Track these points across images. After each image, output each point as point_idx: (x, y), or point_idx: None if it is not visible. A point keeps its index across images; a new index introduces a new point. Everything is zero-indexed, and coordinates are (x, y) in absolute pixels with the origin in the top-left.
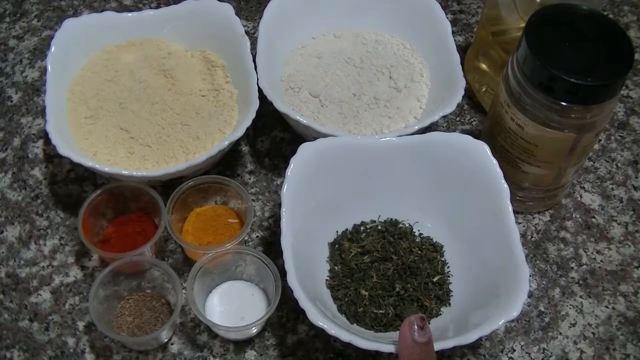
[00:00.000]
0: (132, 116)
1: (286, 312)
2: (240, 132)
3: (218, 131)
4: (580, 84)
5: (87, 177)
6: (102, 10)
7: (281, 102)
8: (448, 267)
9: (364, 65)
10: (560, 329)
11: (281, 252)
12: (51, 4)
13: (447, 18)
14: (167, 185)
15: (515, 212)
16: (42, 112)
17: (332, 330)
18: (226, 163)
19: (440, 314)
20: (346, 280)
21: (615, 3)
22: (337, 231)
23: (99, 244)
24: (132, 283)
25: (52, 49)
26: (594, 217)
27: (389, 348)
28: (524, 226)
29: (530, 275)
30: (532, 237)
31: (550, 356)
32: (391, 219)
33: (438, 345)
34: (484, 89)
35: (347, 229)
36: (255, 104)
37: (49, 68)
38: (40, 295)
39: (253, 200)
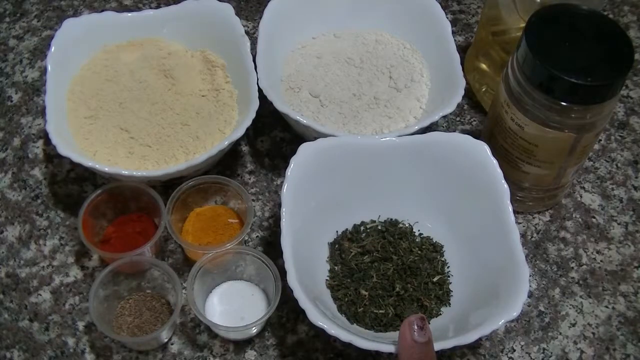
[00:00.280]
0: (132, 116)
1: (286, 312)
2: (240, 132)
3: (218, 131)
4: (580, 84)
5: (87, 177)
6: (102, 10)
7: (281, 102)
8: (448, 267)
9: (364, 65)
10: (560, 329)
11: (281, 252)
12: (51, 4)
13: (447, 18)
14: (167, 185)
15: (515, 212)
16: (42, 112)
17: (332, 330)
18: (226, 163)
19: (440, 314)
20: (346, 280)
21: (615, 3)
22: (337, 231)
23: (99, 244)
24: (132, 283)
25: (52, 49)
26: (594, 217)
27: (389, 348)
28: (524, 226)
29: (530, 275)
30: (532, 237)
31: (550, 356)
32: (391, 219)
33: (438, 345)
34: (484, 89)
35: (347, 229)
36: (255, 104)
37: (49, 68)
38: (40, 295)
39: (253, 200)
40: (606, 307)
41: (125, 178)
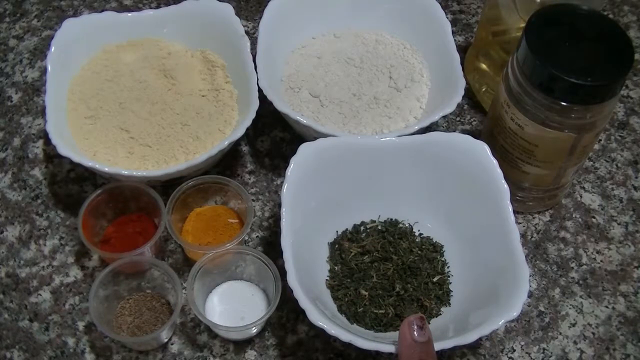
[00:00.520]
0: (132, 116)
1: (286, 312)
2: (240, 132)
3: (218, 131)
4: (580, 84)
5: (87, 177)
6: (102, 10)
7: (281, 102)
8: (448, 267)
9: (364, 65)
10: (560, 329)
11: (281, 252)
12: (51, 4)
13: (447, 18)
14: (167, 185)
15: (515, 212)
16: (42, 112)
17: (332, 330)
18: (226, 163)
19: (440, 314)
20: (346, 280)
21: (615, 3)
22: (337, 231)
23: (99, 244)
24: (132, 283)
25: (52, 49)
26: (594, 217)
27: (389, 348)
28: (524, 226)
29: (530, 275)
30: (532, 237)
31: (550, 356)
32: (391, 219)
33: (438, 345)
34: (484, 89)
35: (347, 229)
36: (255, 104)
37: (49, 68)
38: (40, 295)
39: (253, 200)
40: (606, 307)
41: (125, 178)
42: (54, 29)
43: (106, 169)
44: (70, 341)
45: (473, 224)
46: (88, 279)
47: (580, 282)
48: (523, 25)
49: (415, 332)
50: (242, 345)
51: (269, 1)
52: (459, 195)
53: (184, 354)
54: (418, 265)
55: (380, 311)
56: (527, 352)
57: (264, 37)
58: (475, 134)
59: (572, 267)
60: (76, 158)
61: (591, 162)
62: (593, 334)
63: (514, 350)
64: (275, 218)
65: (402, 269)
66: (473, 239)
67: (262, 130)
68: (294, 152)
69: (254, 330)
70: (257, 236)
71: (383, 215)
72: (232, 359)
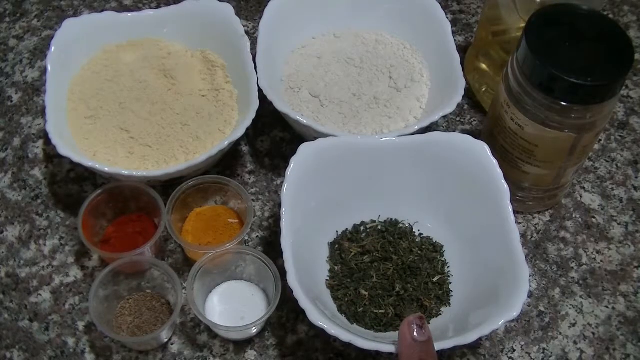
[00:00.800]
0: (132, 116)
1: (286, 312)
2: (240, 132)
3: (218, 131)
4: (580, 84)
5: (87, 177)
6: (102, 10)
7: (281, 102)
8: (448, 267)
9: (364, 65)
10: (560, 329)
11: (281, 252)
12: (51, 4)
13: (447, 18)
14: (167, 185)
15: (515, 212)
16: (42, 112)
17: (332, 330)
18: (226, 163)
19: (440, 314)
20: (346, 280)
21: (615, 3)
22: (337, 231)
23: (99, 244)
24: (132, 283)
25: (52, 49)
26: (594, 217)
27: (389, 348)
28: (524, 226)
29: (530, 275)
30: (532, 237)
31: (550, 356)
32: (391, 219)
33: (438, 345)
34: (484, 89)
35: (347, 229)
36: (255, 104)
37: (49, 68)
38: (40, 295)
39: (253, 200)
40: (606, 307)
41: (125, 178)
42: (54, 29)
43: (106, 169)
44: (70, 341)
45: (473, 224)
46: (88, 279)
47: (580, 282)
48: (523, 25)
49: (415, 332)
50: (242, 345)
51: (269, 1)
52: (459, 195)
53: (184, 354)
54: (418, 265)
55: (380, 311)
56: (527, 352)
57: (264, 37)
58: (475, 134)
59: (572, 267)
60: (76, 158)
61: (591, 162)
62: (593, 334)
63: (514, 350)
64: (275, 218)
65: (402, 269)
66: (473, 239)
67: (262, 130)
68: (294, 152)
69: (254, 330)
70: (257, 236)
71: (383, 215)
72: (232, 359)
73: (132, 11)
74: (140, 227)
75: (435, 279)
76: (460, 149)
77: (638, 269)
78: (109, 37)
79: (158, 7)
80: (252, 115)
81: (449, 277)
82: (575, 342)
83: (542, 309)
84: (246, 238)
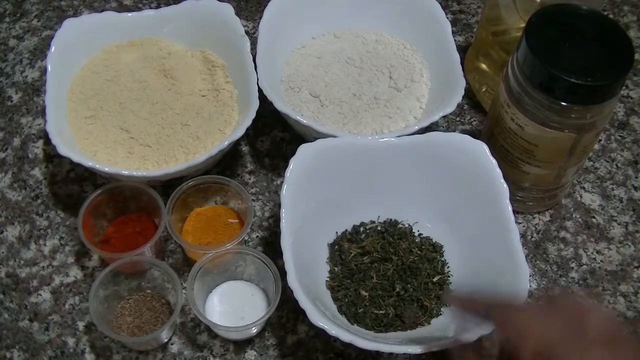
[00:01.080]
0: (132, 116)
1: (286, 312)
2: (240, 132)
3: (218, 131)
4: (580, 84)
5: (87, 177)
6: (102, 10)
7: (281, 102)
8: (448, 267)
9: (364, 65)
10: None
11: (281, 252)
12: (51, 4)
13: (447, 18)
14: (167, 185)
15: (515, 212)
16: (42, 112)
17: (333, 330)
18: (226, 163)
19: (441, 314)
20: (346, 281)
21: (615, 3)
22: (336, 232)
23: (99, 244)
24: (132, 283)
25: (52, 49)
26: (594, 217)
27: (389, 348)
28: (524, 226)
29: (530, 275)
30: (532, 237)
31: None
32: (391, 219)
33: (438, 346)
34: (484, 89)
35: (346, 230)
36: (255, 104)
37: (49, 68)
38: (40, 295)
39: (253, 200)
40: (606, 307)
41: (125, 178)
42: (54, 29)
43: (106, 169)
44: (70, 341)
45: (473, 224)
46: (88, 279)
47: (580, 282)
48: (523, 25)
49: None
50: (242, 345)
51: (269, 1)
52: (459, 195)
53: (184, 354)
54: (418, 265)
55: (381, 312)
56: None
57: (264, 37)
58: (475, 134)
59: (572, 267)
60: (76, 158)
61: (591, 162)
62: None
63: None
64: (275, 218)
65: (402, 269)
66: (473, 239)
67: (262, 130)
68: (294, 152)
69: (254, 330)
70: (257, 236)
71: (383, 215)
72: (232, 359)
73: (132, 11)
74: (140, 227)
75: (435, 279)
76: (459, 148)
77: (638, 269)
78: (109, 37)
79: (158, 7)
80: (252, 115)
81: (449, 277)
82: None
83: None
84: (246, 238)
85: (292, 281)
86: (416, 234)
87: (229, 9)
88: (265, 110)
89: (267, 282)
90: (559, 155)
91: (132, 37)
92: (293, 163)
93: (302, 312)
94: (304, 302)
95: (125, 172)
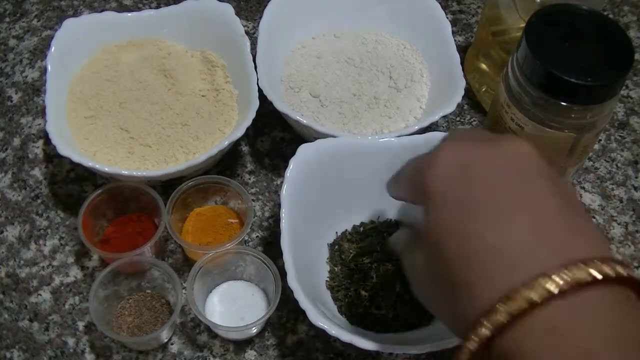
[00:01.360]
0: (132, 116)
1: (286, 312)
2: (240, 132)
3: (218, 131)
4: (580, 84)
5: (87, 177)
6: (102, 10)
7: (281, 102)
8: None
9: (364, 65)
10: None
11: (281, 252)
12: (51, 4)
13: (447, 18)
14: (167, 185)
15: None
16: (42, 112)
17: (333, 330)
18: (226, 163)
19: None
20: (346, 281)
21: (615, 3)
22: (336, 232)
23: (99, 244)
24: (132, 283)
25: (52, 49)
26: (594, 217)
27: (389, 348)
28: None
29: None
30: None
31: None
32: (391, 220)
33: (438, 346)
34: (484, 89)
35: (346, 230)
36: (255, 104)
37: (49, 68)
38: (40, 295)
39: (253, 200)
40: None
41: (125, 178)
42: (54, 29)
43: (106, 169)
44: (70, 341)
45: None
46: (88, 279)
47: None
48: (523, 25)
49: None
50: (242, 345)
51: (269, 1)
52: None
53: (184, 354)
54: None
55: (381, 312)
56: None
57: (264, 37)
58: None
59: None
60: (76, 158)
61: (591, 162)
62: None
63: None
64: (275, 218)
65: (402, 270)
66: None
67: (262, 130)
68: (294, 152)
69: (254, 330)
70: (257, 236)
71: (383, 215)
72: (232, 359)
73: (132, 11)
74: (140, 227)
75: None
76: None
77: (638, 269)
78: (109, 37)
79: (158, 7)
80: (252, 115)
81: None
82: None
83: None
84: (246, 238)
85: (292, 281)
86: None
87: (229, 9)
88: (265, 110)
89: (267, 282)
90: (559, 155)
91: (132, 37)
92: (293, 163)
93: (302, 312)
94: (304, 302)
95: (125, 172)
